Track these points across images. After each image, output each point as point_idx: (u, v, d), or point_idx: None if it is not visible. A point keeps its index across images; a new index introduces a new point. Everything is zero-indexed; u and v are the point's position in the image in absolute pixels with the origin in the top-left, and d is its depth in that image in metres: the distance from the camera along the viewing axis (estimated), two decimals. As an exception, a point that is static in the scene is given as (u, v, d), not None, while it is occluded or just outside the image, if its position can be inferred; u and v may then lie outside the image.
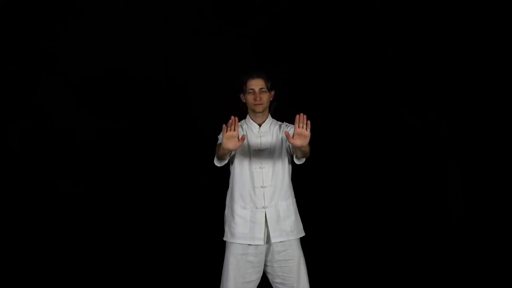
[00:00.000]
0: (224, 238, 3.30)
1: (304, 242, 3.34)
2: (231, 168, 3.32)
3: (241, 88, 3.31)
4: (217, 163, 3.22)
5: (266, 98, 3.27)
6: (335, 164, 4.64)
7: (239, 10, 4.69)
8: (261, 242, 3.19)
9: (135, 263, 4.63)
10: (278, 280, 3.26)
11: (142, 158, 4.68)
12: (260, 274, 3.27)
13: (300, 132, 2.95)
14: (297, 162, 3.28)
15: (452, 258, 4.62)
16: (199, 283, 4.49)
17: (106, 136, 4.65)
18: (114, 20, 4.63)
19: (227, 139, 2.95)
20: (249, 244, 3.20)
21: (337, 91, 4.75)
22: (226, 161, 3.22)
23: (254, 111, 3.30)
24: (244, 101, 3.34)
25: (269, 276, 3.31)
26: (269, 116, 3.36)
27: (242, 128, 3.33)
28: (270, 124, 3.35)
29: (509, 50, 4.53)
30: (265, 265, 3.28)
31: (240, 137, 2.98)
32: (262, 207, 3.22)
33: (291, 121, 3.51)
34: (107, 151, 4.66)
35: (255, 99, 3.25)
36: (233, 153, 3.24)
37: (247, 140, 3.29)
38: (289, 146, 3.24)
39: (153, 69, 4.67)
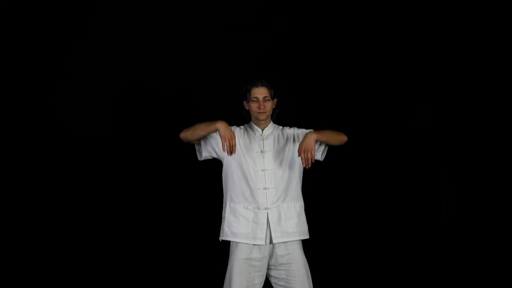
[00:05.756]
0: (223, 238, 3.36)
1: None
2: (228, 171, 3.38)
3: (245, 96, 3.45)
4: (185, 136, 3.35)
5: (269, 106, 3.41)
6: (331, 164, 4.75)
7: (247, 21, 4.84)
8: (262, 242, 3.26)
9: (133, 263, 4.72)
10: (281, 283, 3.34)
11: (150, 161, 4.80)
12: (263, 278, 3.35)
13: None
14: (320, 158, 3.44)
15: (446, 253, 4.77)
16: (197, 284, 4.62)
17: (114, 140, 4.79)
18: (125, 31, 4.78)
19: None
20: (253, 244, 3.26)
21: (336, 97, 4.84)
22: (193, 140, 3.36)
23: (257, 119, 3.43)
24: (247, 109, 3.47)
25: (272, 280, 3.39)
26: (271, 123, 3.50)
27: (246, 130, 3.47)
28: (273, 129, 3.48)
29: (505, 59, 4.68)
30: (268, 269, 3.35)
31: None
32: (264, 208, 3.29)
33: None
34: (116, 153, 4.80)
35: (259, 107, 3.38)
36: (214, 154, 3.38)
37: (250, 143, 3.41)
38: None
39: (163, 77, 4.81)
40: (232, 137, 3.24)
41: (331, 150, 3.55)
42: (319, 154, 3.45)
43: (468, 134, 4.74)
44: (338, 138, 3.41)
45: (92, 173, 4.74)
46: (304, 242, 3.45)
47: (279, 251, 3.32)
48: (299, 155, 3.26)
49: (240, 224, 3.31)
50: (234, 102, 3.61)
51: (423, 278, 4.74)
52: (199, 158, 3.49)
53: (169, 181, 4.77)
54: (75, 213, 4.69)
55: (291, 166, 3.39)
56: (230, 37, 4.84)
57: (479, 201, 4.73)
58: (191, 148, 4.66)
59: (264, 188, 3.31)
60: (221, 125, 3.27)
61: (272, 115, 3.51)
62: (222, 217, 3.42)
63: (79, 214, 4.70)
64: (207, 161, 3.57)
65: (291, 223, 3.33)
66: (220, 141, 3.33)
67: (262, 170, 3.34)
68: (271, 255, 3.34)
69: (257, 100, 3.41)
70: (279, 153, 3.40)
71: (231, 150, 3.24)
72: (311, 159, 3.22)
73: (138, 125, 4.81)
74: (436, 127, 4.79)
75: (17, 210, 4.64)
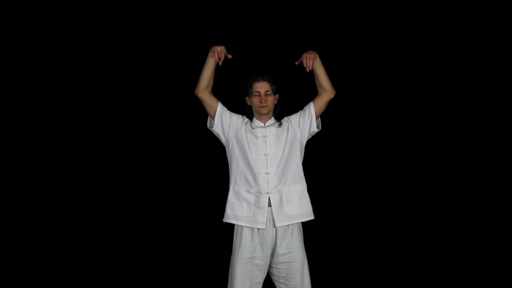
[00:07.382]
0: (226, 220, 3.41)
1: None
2: (232, 155, 3.42)
3: (247, 91, 3.47)
4: (197, 89, 3.46)
5: (271, 100, 3.42)
6: (332, 163, 4.79)
7: (248, 21, 4.87)
8: (263, 226, 3.30)
9: (140, 249, 4.77)
10: (281, 281, 3.39)
11: (151, 161, 4.83)
12: (265, 275, 3.40)
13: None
14: (316, 128, 3.47)
15: (446, 252, 4.79)
16: (199, 275, 4.66)
17: (115, 138, 4.83)
18: (125, 31, 4.82)
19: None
20: (257, 228, 3.30)
21: (336, 96, 4.86)
22: (206, 85, 3.44)
23: (259, 113, 3.44)
24: (249, 104, 3.49)
25: (273, 277, 3.44)
26: (273, 118, 3.50)
27: (250, 125, 3.48)
28: (274, 122, 3.50)
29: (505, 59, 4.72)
30: (269, 267, 3.40)
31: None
32: (266, 193, 3.33)
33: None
34: (117, 152, 4.83)
35: (260, 101, 3.39)
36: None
37: (252, 129, 3.45)
38: (300, 120, 3.44)
39: (164, 76, 4.83)
40: (221, 46, 3.39)
41: (331, 143, 3.53)
42: (315, 125, 3.49)
43: (468, 134, 4.77)
44: (329, 81, 3.49)
45: (94, 170, 4.79)
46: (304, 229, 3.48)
47: (280, 250, 3.35)
48: (300, 60, 3.41)
49: (242, 207, 3.37)
50: (235, 102, 3.61)
51: (423, 278, 4.74)
52: (208, 126, 3.53)
53: (172, 179, 4.81)
54: (80, 208, 4.76)
55: (291, 149, 3.43)
56: (230, 37, 4.84)
57: (479, 201, 4.76)
58: (192, 146, 4.76)
59: (266, 173, 3.36)
60: (212, 47, 3.42)
61: (274, 111, 3.52)
62: (228, 199, 3.45)
63: (83, 208, 4.76)
64: (213, 152, 3.57)
65: (292, 206, 3.38)
66: (230, 123, 3.44)
67: (264, 154, 3.39)
68: (272, 254, 3.36)
69: (259, 94, 3.43)
70: (280, 137, 3.44)
71: (219, 57, 3.38)
72: (313, 61, 3.37)
73: (138, 125, 4.84)
74: (436, 126, 4.82)
75: (16, 209, 4.68)
